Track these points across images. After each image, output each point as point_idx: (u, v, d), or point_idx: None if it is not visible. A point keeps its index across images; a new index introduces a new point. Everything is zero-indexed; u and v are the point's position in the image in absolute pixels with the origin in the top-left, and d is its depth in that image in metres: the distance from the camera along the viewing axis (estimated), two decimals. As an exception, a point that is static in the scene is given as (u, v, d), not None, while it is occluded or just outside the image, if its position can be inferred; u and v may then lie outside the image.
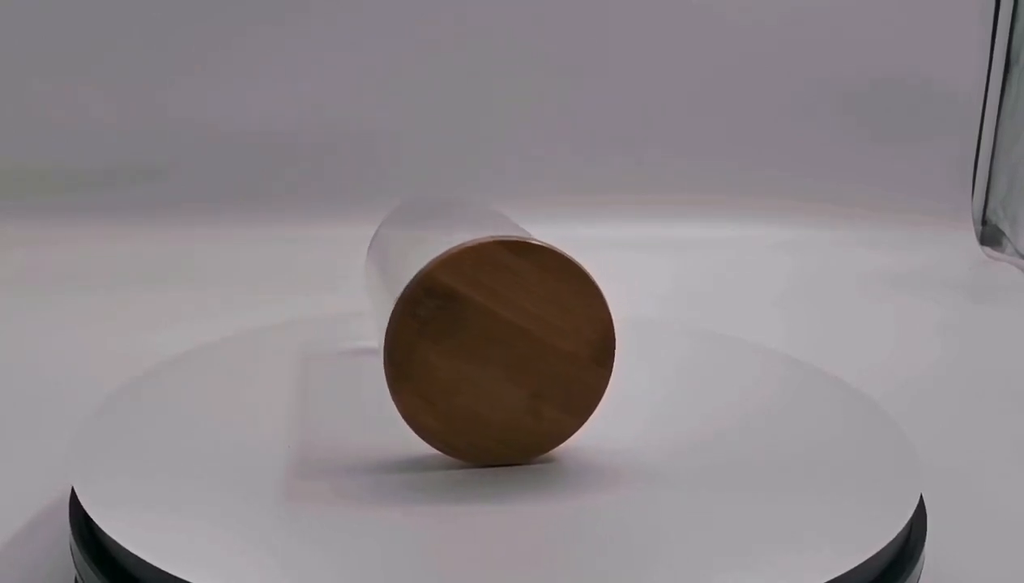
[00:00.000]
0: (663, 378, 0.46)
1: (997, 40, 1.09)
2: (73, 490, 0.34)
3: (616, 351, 0.34)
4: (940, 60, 1.09)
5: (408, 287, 0.32)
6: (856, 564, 0.29)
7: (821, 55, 1.08)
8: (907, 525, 0.32)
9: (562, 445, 0.36)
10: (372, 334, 0.38)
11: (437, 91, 1.05)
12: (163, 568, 0.28)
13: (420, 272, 0.32)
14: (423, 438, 0.34)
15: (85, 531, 0.33)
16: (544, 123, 1.07)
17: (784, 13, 1.07)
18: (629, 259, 0.90)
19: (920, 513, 0.34)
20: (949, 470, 0.49)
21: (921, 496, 0.34)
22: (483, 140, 1.06)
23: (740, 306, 0.82)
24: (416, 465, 0.35)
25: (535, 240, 0.33)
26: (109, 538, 0.30)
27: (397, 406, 0.34)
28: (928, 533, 0.34)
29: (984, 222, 1.12)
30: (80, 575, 0.33)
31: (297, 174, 1.04)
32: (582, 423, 0.35)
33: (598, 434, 0.37)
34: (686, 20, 1.06)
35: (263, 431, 0.38)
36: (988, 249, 1.08)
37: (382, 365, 0.33)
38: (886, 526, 0.31)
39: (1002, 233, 1.10)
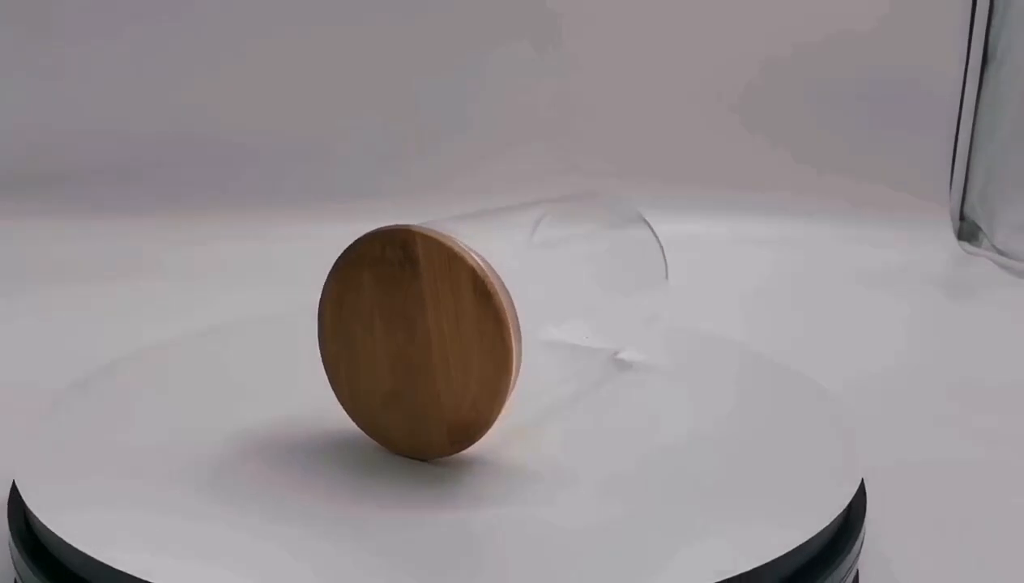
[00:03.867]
0: (617, 371, 0.46)
1: (975, 36, 1.10)
2: (14, 486, 0.34)
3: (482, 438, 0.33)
4: (918, 56, 1.09)
5: (393, 226, 0.33)
6: (797, 544, 0.29)
7: (798, 52, 1.08)
8: (846, 508, 0.32)
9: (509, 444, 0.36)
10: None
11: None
12: (104, 561, 0.28)
13: (412, 225, 0.33)
14: (328, 374, 0.36)
15: (24, 529, 0.33)
16: (533, 110, 1.07)
17: (759, 10, 1.07)
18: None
19: (860, 496, 0.34)
20: (905, 461, 0.49)
21: (863, 480, 0.34)
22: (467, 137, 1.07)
23: (716, 301, 0.82)
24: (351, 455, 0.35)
25: (492, 284, 0.32)
26: (48, 533, 0.30)
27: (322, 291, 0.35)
28: (874, 521, 0.34)
29: (962, 217, 1.12)
30: (19, 575, 0.33)
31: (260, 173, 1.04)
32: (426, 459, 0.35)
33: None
34: (663, 17, 1.07)
35: (208, 426, 0.38)
36: (966, 244, 1.08)
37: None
38: (826, 508, 0.31)
39: (979, 229, 1.10)
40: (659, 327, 0.45)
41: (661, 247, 0.43)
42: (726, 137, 1.08)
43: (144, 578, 0.27)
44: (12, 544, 0.33)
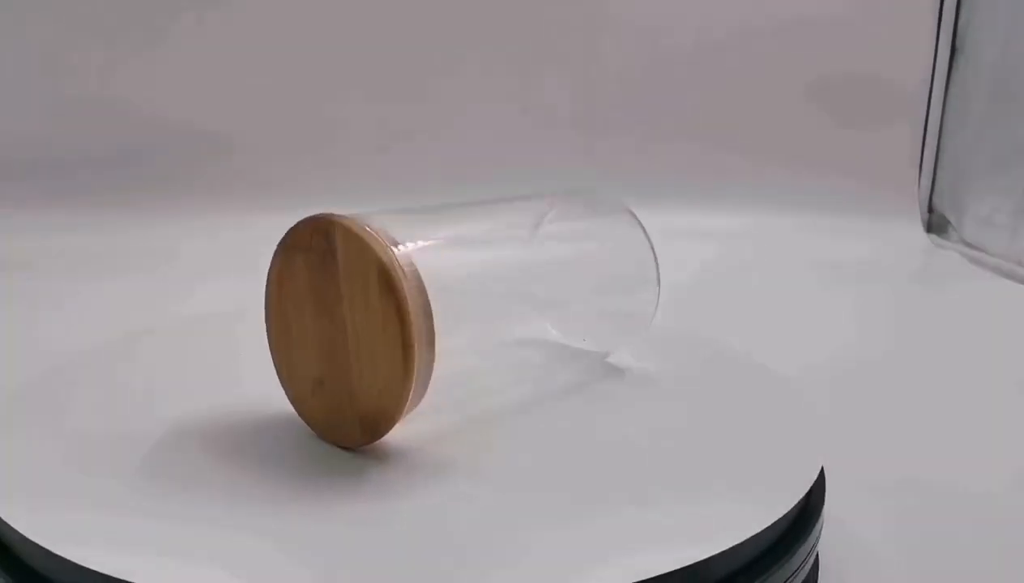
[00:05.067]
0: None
1: (942, 29, 1.10)
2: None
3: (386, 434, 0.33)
4: (887, 50, 1.10)
5: (319, 215, 0.33)
6: (754, 533, 0.29)
7: (768, 46, 1.08)
8: (805, 495, 0.32)
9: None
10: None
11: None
12: (68, 558, 0.27)
13: (336, 214, 0.33)
14: (271, 355, 0.36)
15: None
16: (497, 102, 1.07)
17: (728, 3, 1.07)
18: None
19: (819, 483, 0.34)
20: (867, 448, 0.50)
21: (822, 468, 0.34)
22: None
23: (681, 292, 0.81)
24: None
25: (397, 279, 0.31)
26: (8, 529, 0.29)
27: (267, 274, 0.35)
28: (836, 504, 0.34)
29: (931, 210, 1.13)
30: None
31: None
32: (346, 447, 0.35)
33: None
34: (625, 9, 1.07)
35: (164, 417, 0.37)
36: (934, 237, 1.08)
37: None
38: (784, 496, 0.31)
39: (948, 221, 1.10)
40: (647, 329, 0.44)
41: (653, 249, 0.42)
42: (697, 128, 1.08)
43: (114, 575, 0.26)
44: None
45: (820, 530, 0.33)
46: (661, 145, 1.08)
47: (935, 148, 1.12)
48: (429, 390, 0.33)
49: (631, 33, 1.07)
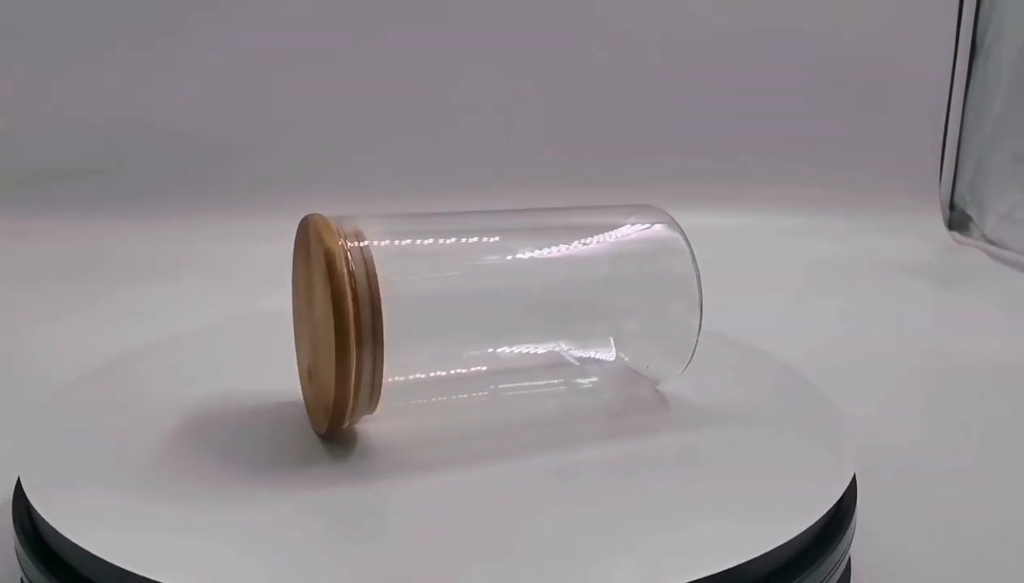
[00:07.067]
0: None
1: (963, 27, 1.10)
2: (19, 484, 0.34)
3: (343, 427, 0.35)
4: (907, 47, 1.10)
5: (307, 216, 0.36)
6: (788, 538, 0.30)
7: (787, 42, 1.08)
8: (835, 505, 0.33)
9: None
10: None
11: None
12: (110, 560, 0.28)
13: (317, 214, 0.36)
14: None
15: (29, 527, 0.33)
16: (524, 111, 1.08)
17: (749, 3, 1.07)
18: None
19: (851, 491, 0.35)
20: (893, 449, 0.50)
21: (855, 475, 0.35)
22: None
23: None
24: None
25: (338, 265, 0.33)
26: (53, 531, 0.30)
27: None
28: (866, 507, 0.35)
29: (952, 207, 1.13)
30: (25, 573, 0.33)
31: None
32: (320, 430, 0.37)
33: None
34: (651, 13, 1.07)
35: (207, 426, 0.39)
36: (956, 234, 1.08)
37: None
38: (818, 502, 0.32)
39: (969, 218, 1.11)
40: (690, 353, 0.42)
41: (697, 271, 0.41)
42: (719, 129, 1.09)
43: (152, 578, 0.27)
44: (17, 542, 0.33)
45: (851, 538, 0.34)
46: (678, 144, 1.08)
47: (956, 146, 1.13)
48: (418, 392, 0.37)
49: (651, 27, 1.07)
